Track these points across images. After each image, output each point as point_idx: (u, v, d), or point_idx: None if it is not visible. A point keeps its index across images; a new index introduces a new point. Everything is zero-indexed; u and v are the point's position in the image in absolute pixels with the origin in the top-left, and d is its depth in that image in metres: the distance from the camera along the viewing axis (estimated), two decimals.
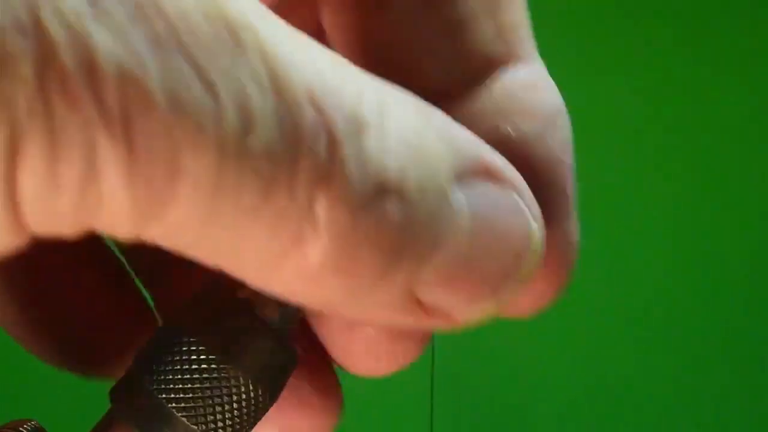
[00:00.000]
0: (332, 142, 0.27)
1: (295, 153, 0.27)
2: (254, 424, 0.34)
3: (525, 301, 0.33)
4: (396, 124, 0.28)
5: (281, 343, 0.34)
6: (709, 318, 1.28)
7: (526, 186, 0.31)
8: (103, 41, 0.25)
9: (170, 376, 0.33)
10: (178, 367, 0.33)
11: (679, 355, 1.28)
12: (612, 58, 1.28)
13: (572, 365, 1.29)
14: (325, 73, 0.27)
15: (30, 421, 0.36)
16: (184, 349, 0.33)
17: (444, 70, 0.33)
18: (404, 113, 0.29)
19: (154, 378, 0.33)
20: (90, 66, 0.25)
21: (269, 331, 0.33)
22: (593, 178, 1.29)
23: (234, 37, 0.26)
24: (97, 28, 0.25)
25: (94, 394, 0.38)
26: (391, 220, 0.28)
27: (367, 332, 0.36)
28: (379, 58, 0.33)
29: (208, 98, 0.26)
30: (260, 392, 0.33)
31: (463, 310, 0.30)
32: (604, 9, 1.28)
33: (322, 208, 0.27)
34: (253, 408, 0.33)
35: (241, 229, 0.27)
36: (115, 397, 0.34)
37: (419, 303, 0.30)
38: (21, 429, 0.36)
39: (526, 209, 0.31)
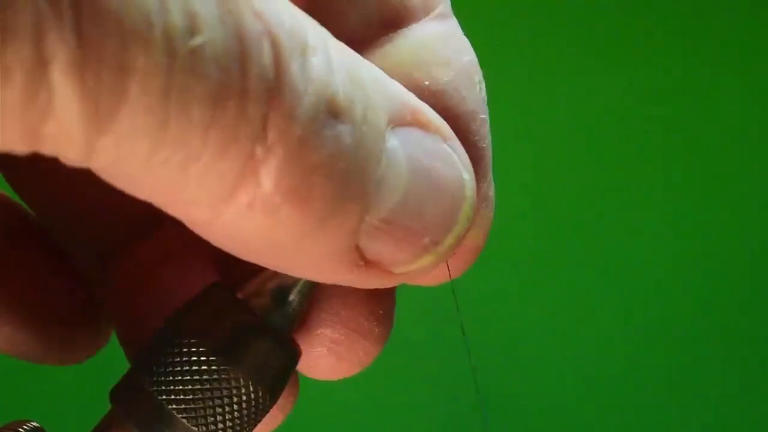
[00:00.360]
0: (277, 54, 0.27)
1: (242, 61, 0.27)
2: (255, 424, 0.34)
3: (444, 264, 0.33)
4: (337, 54, 0.29)
5: (281, 342, 0.34)
6: (714, 315, 1.29)
7: (455, 136, 0.32)
8: None
9: (170, 377, 0.33)
10: (178, 368, 0.33)
11: (681, 354, 1.28)
12: (611, 57, 1.28)
13: (572, 362, 1.29)
14: None
15: (30, 421, 0.36)
16: (184, 350, 0.33)
17: (361, 16, 0.33)
18: (342, 48, 0.29)
19: (154, 379, 0.33)
20: None
21: (269, 331, 0.33)
22: (593, 176, 1.29)
23: None
24: None
25: (94, 395, 0.38)
26: (342, 143, 0.28)
27: (327, 333, 0.36)
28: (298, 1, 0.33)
29: None
30: (261, 393, 0.33)
31: (403, 262, 0.30)
32: (603, 8, 1.28)
33: (274, 125, 0.27)
34: (253, 409, 0.33)
35: (192, 149, 0.26)
36: (115, 398, 0.34)
37: (361, 256, 0.30)
38: (21, 429, 0.36)
39: (457, 159, 0.31)
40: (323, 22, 0.30)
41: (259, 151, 0.27)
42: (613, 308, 1.31)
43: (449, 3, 0.34)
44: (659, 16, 1.29)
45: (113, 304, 0.39)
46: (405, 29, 0.33)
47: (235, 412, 0.33)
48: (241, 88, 0.27)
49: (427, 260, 0.31)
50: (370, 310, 0.36)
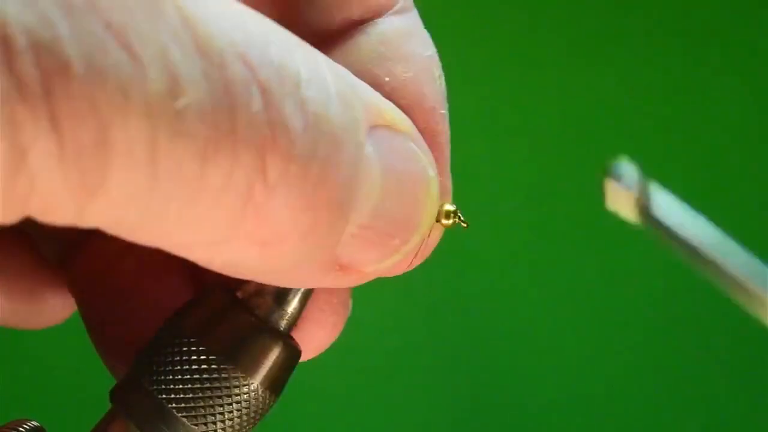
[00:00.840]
0: (268, 99, 0.27)
1: (230, 112, 0.26)
2: (255, 423, 0.34)
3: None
4: (332, 78, 0.28)
5: (281, 342, 0.34)
6: (714, 313, 1.29)
7: (419, 133, 0.32)
8: (13, 11, 0.23)
9: (170, 377, 0.33)
10: (179, 367, 0.33)
11: (681, 353, 1.28)
12: (610, 56, 1.28)
13: (571, 361, 1.29)
14: (248, 27, 0.27)
15: (30, 421, 0.36)
16: (185, 349, 0.33)
17: (323, 15, 0.33)
18: (334, 67, 0.29)
19: (154, 378, 0.33)
20: (1, 39, 0.23)
21: (269, 331, 0.34)
22: (591, 175, 1.28)
23: None
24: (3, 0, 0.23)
25: (95, 394, 0.38)
26: (337, 168, 0.28)
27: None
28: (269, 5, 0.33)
29: (128, 62, 0.24)
30: (261, 392, 0.33)
31: (374, 262, 0.31)
32: (601, 5, 1.28)
33: (272, 167, 0.27)
34: (254, 407, 0.33)
35: (185, 199, 0.26)
36: (116, 398, 0.34)
37: (337, 261, 0.30)
38: (21, 429, 0.36)
39: (422, 156, 0.31)
40: (287, 20, 0.30)
41: (259, 193, 0.27)
42: (612, 307, 1.31)
43: None
44: (655, 13, 1.29)
45: (77, 293, 0.39)
46: (366, 25, 0.33)
47: (235, 411, 0.33)
48: (233, 140, 0.26)
49: (396, 258, 0.31)
50: (325, 300, 0.36)
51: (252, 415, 0.33)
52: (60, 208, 0.25)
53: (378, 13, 0.33)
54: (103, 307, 0.37)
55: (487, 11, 1.25)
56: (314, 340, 0.36)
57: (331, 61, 0.30)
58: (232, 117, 0.26)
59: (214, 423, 0.33)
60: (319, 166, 0.28)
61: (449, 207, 0.34)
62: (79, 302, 0.38)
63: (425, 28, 0.34)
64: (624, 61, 1.29)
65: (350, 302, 0.37)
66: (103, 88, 0.24)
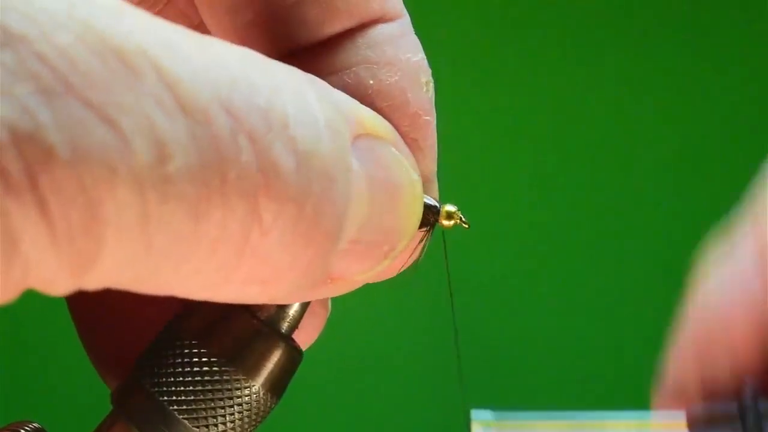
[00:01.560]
0: (257, 147, 0.26)
1: (220, 167, 0.26)
2: (256, 425, 0.34)
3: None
4: (320, 108, 0.28)
5: (283, 343, 0.34)
6: None
7: (400, 137, 0.32)
8: None
9: (172, 379, 0.33)
10: (180, 369, 0.33)
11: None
12: (611, 55, 1.28)
13: (570, 360, 1.29)
14: (231, 72, 0.27)
15: (31, 422, 0.36)
16: (186, 351, 0.33)
17: (313, 23, 0.33)
18: (315, 88, 0.29)
19: (156, 381, 0.33)
20: None
21: (270, 332, 0.34)
22: (591, 173, 1.29)
23: (126, 64, 0.25)
24: None
25: (96, 396, 0.38)
26: (330, 197, 0.28)
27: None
28: (263, 13, 0.33)
29: (112, 137, 0.24)
30: (263, 394, 0.33)
31: (364, 271, 0.31)
32: (602, 6, 1.28)
33: (267, 210, 0.27)
34: (255, 409, 0.33)
35: (181, 255, 0.26)
36: (117, 399, 0.34)
37: (328, 275, 0.30)
38: (22, 430, 0.36)
39: (405, 161, 0.31)
40: (277, 28, 0.30)
41: (254, 237, 0.27)
42: (612, 307, 1.31)
43: (400, 2, 0.34)
44: (657, 10, 1.29)
45: (70, 305, 0.39)
46: (357, 31, 0.33)
47: (237, 414, 0.33)
48: (224, 193, 0.26)
49: (384, 265, 0.31)
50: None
51: (253, 417, 0.33)
52: (57, 284, 0.25)
53: (368, 25, 0.33)
54: (95, 320, 0.37)
55: (488, 11, 1.25)
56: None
57: (312, 78, 0.29)
58: (223, 171, 0.26)
59: (216, 425, 0.33)
60: (314, 204, 0.28)
61: (450, 208, 0.34)
62: (73, 315, 0.38)
63: (426, 28, 0.34)
64: (624, 61, 1.29)
65: (329, 303, 0.37)
66: (89, 167, 0.24)
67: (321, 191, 0.28)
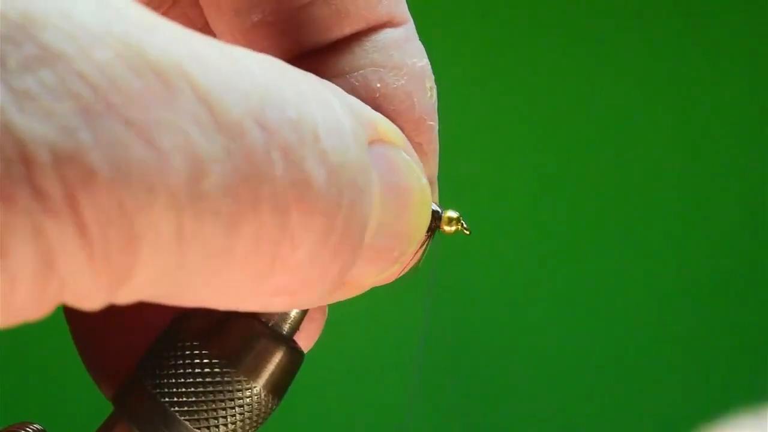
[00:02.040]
0: (289, 160, 0.26)
1: (254, 182, 0.26)
2: (258, 426, 0.34)
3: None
4: (348, 120, 0.28)
5: (284, 344, 0.34)
6: (715, 309, 1.29)
7: (408, 142, 0.32)
8: (30, 128, 0.23)
9: (173, 380, 0.33)
10: (181, 371, 0.33)
11: (681, 351, 1.28)
12: (612, 55, 1.28)
13: (570, 360, 1.29)
14: (260, 82, 0.26)
15: (33, 424, 0.36)
16: (187, 353, 0.33)
17: (323, 27, 0.33)
18: (339, 96, 0.29)
19: (157, 381, 0.33)
20: (22, 157, 0.23)
21: (272, 334, 0.34)
22: (595, 173, 1.29)
23: (163, 80, 0.25)
24: (22, 116, 0.23)
25: (97, 397, 0.38)
26: (357, 208, 0.28)
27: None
28: (272, 14, 0.33)
29: (151, 155, 0.24)
30: (264, 395, 0.33)
31: (375, 275, 0.31)
32: (602, 7, 1.28)
33: (298, 225, 0.27)
34: (256, 411, 0.33)
35: (213, 269, 0.26)
36: (118, 400, 0.34)
37: (342, 280, 0.30)
38: None
39: (414, 166, 0.32)
40: (286, 30, 0.30)
41: (285, 250, 0.27)
42: (613, 307, 1.31)
43: (406, 8, 0.34)
44: (659, 11, 1.29)
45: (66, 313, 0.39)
46: (365, 35, 0.33)
47: (238, 415, 0.33)
48: (257, 208, 0.26)
49: (394, 269, 0.32)
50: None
51: (254, 418, 0.33)
52: (90, 299, 0.25)
53: (375, 29, 0.33)
54: (90, 327, 0.37)
55: (488, 12, 1.25)
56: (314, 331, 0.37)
57: (328, 83, 0.29)
58: (256, 187, 0.26)
59: (217, 426, 0.33)
60: (344, 217, 0.28)
61: (452, 214, 0.34)
62: (69, 322, 0.38)
63: (428, 29, 0.34)
64: (626, 62, 1.29)
65: (326, 307, 0.37)
66: (128, 187, 0.24)
67: (350, 203, 0.28)
